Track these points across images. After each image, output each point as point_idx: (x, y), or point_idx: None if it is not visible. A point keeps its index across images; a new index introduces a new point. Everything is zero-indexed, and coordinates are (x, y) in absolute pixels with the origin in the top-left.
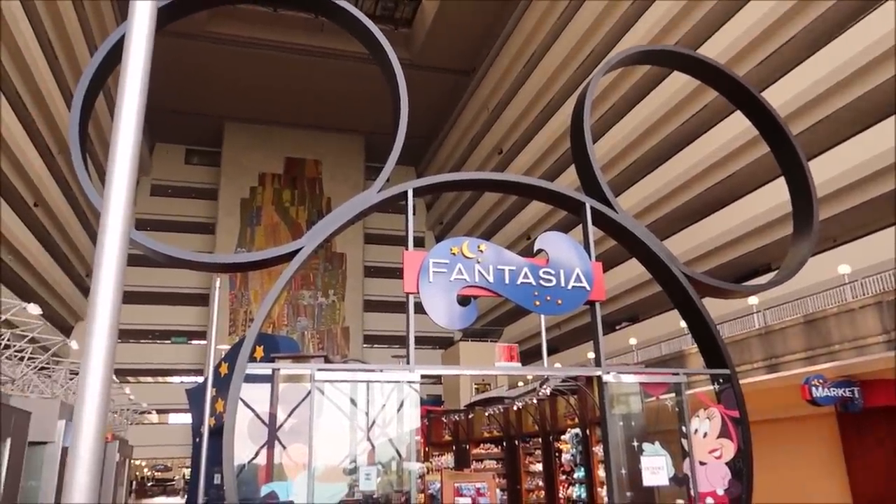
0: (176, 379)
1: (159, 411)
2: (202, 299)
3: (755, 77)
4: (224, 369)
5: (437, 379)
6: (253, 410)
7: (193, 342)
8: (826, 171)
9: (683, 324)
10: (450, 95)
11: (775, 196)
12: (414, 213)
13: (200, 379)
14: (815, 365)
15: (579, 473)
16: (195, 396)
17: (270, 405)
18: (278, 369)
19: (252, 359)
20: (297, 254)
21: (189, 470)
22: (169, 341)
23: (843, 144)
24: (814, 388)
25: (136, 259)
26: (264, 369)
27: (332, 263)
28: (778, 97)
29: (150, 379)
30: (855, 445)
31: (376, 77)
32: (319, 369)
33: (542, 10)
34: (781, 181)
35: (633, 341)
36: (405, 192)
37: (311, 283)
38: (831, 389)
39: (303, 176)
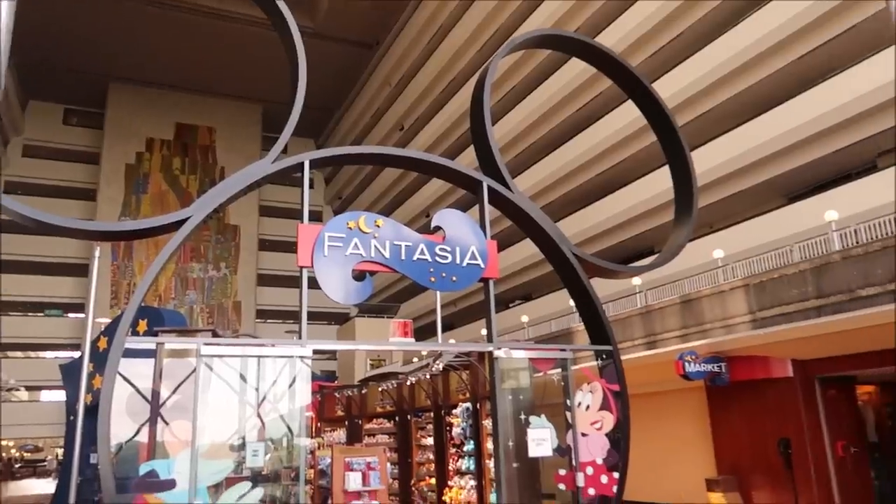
0: (50, 354)
1: (29, 388)
2: (81, 270)
3: (647, 68)
4: (103, 344)
5: (332, 355)
6: (133, 386)
7: (70, 315)
8: (706, 161)
9: (572, 302)
10: (352, 68)
11: (660, 183)
12: (311, 187)
13: (77, 354)
14: (689, 342)
15: (469, 446)
16: (69, 372)
17: (153, 381)
18: (162, 343)
19: (134, 332)
20: (185, 223)
21: (63, 450)
22: (42, 314)
23: (722, 137)
24: (686, 364)
25: (7, 226)
26: (146, 343)
27: (225, 235)
28: (666, 89)
29: (19, 354)
30: (720, 417)
31: (276, 44)
32: (206, 343)
33: None
34: (666, 169)
35: (525, 318)
36: (301, 164)
37: (202, 256)
38: (702, 365)
39: (195, 143)
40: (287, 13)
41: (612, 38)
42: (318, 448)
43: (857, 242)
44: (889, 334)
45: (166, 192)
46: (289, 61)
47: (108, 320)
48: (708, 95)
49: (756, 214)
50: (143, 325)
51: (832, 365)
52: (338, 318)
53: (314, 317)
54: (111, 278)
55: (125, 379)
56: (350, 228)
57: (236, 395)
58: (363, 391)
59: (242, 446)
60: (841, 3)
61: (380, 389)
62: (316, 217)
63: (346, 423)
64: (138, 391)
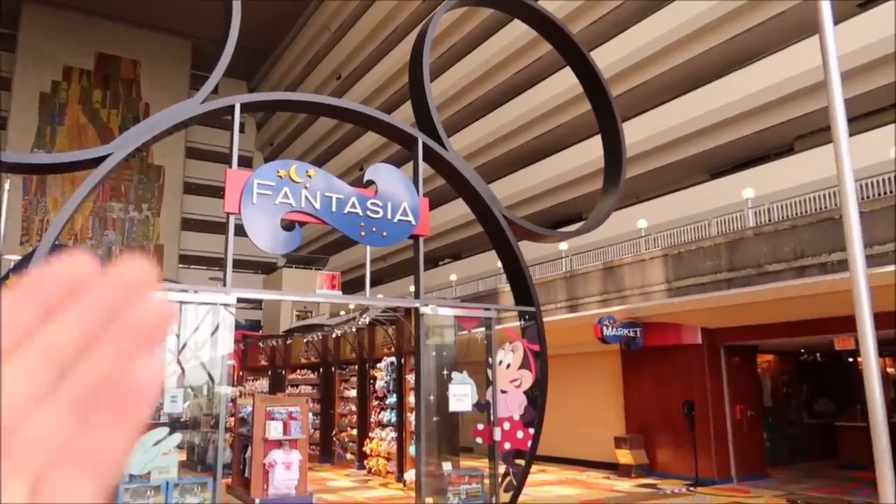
0: None
1: None
2: None
3: (586, 36)
4: (12, 283)
5: (257, 304)
6: None
7: None
8: (637, 133)
9: (500, 263)
10: (291, 10)
11: (591, 152)
12: (242, 131)
13: None
14: (609, 307)
15: (391, 399)
16: None
17: None
18: None
19: None
20: (105, 160)
21: None
22: None
23: (653, 111)
24: (605, 328)
25: None
26: None
27: (148, 176)
28: (603, 59)
29: None
30: (632, 378)
31: None
32: None
33: None
34: (598, 138)
35: (453, 277)
36: (231, 107)
37: (123, 195)
38: (619, 329)
39: (117, 76)
40: None
41: (554, 3)
42: (240, 396)
43: (770, 220)
44: (791, 308)
45: (85, 125)
46: None
47: (17, 257)
48: (642, 69)
49: (680, 188)
50: None
51: (737, 334)
52: (265, 268)
53: (240, 265)
54: (22, 213)
55: None
56: (280, 177)
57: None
58: (288, 342)
59: (160, 392)
60: None
61: (305, 341)
62: (246, 163)
63: (270, 372)
64: None
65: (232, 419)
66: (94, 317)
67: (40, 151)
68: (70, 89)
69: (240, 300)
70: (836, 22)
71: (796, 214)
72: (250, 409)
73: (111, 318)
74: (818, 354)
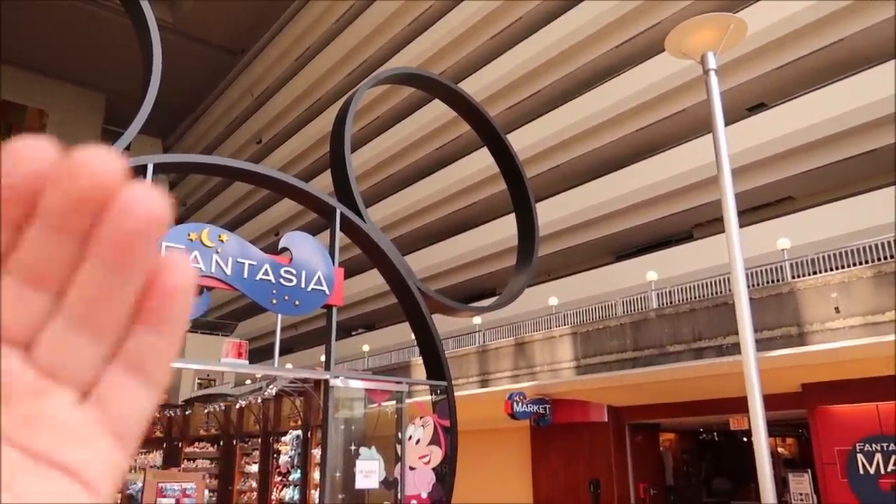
0: None
1: None
2: None
3: (504, 119)
4: None
5: None
6: None
7: None
8: (549, 213)
9: (414, 336)
10: (213, 72)
11: (506, 229)
12: None
13: None
14: (519, 383)
15: (295, 475)
16: None
17: None
18: None
19: None
20: None
21: None
22: None
23: (565, 193)
24: (515, 404)
25: None
26: None
27: None
28: (521, 141)
29: None
30: (541, 455)
31: (130, 33)
32: None
33: (323, 7)
34: (512, 217)
35: (366, 348)
36: (145, 167)
37: None
38: (528, 406)
39: (21, 125)
40: (144, 2)
41: (475, 86)
42: (129, 471)
43: (671, 303)
44: (690, 388)
45: None
46: (142, 54)
47: None
48: (559, 151)
49: (589, 268)
50: None
51: (641, 413)
52: None
53: None
54: None
55: None
56: (191, 240)
57: None
58: (187, 412)
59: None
60: (678, 86)
61: (206, 411)
62: None
63: (164, 445)
64: None
65: (120, 496)
66: (71, 223)
67: None
68: None
69: None
70: (728, 123)
71: (695, 298)
72: (140, 485)
73: (92, 219)
74: (716, 434)
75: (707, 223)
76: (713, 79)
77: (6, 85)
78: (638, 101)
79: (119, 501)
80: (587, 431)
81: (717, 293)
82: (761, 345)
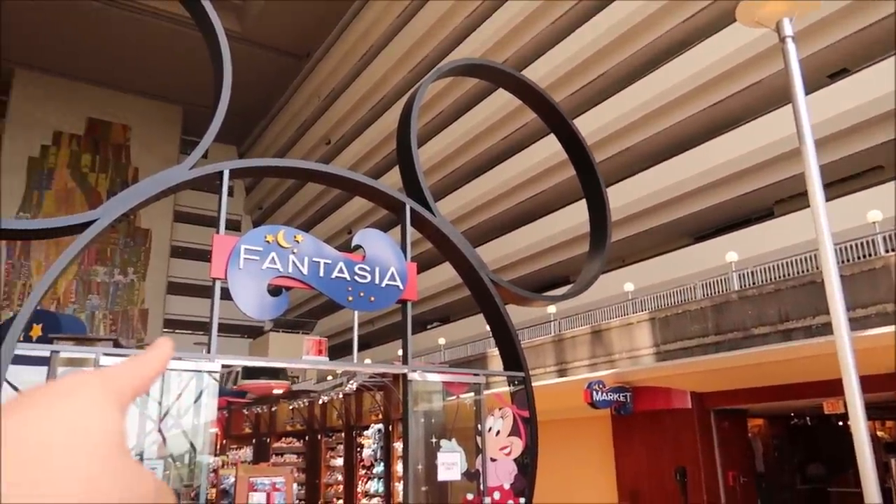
0: None
1: None
2: None
3: (572, 102)
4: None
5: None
6: None
7: None
8: (622, 197)
9: (489, 327)
10: (281, 77)
11: (577, 216)
12: (231, 195)
13: None
14: (597, 371)
15: (379, 468)
16: None
17: None
18: (56, 352)
19: (27, 338)
20: (91, 226)
21: None
22: None
23: (638, 175)
24: (594, 393)
25: None
26: (39, 350)
27: (135, 239)
28: (590, 124)
29: None
30: (624, 444)
31: (202, 45)
32: (105, 353)
33: (382, 6)
34: (583, 203)
35: (441, 341)
36: (220, 173)
37: (108, 259)
38: (608, 394)
39: (107, 140)
40: (213, 14)
41: (539, 72)
42: (222, 466)
43: (754, 284)
44: (778, 371)
45: (73, 189)
46: (213, 64)
47: None
48: (626, 134)
49: (665, 251)
50: (37, 330)
51: (727, 398)
52: (252, 332)
53: (227, 329)
54: (5, 277)
55: (13, 388)
56: (268, 242)
57: (136, 409)
58: (273, 408)
59: (140, 462)
60: (752, 57)
61: (290, 407)
62: (234, 227)
63: (254, 440)
64: None
65: (213, 490)
66: None
67: (26, 215)
68: (59, 154)
69: (224, 366)
70: (808, 92)
71: (779, 277)
72: (233, 479)
73: None
74: (809, 418)
75: (789, 199)
76: (790, 46)
77: (93, 104)
78: (710, 76)
79: (213, 496)
80: (670, 419)
81: (803, 272)
82: (855, 324)
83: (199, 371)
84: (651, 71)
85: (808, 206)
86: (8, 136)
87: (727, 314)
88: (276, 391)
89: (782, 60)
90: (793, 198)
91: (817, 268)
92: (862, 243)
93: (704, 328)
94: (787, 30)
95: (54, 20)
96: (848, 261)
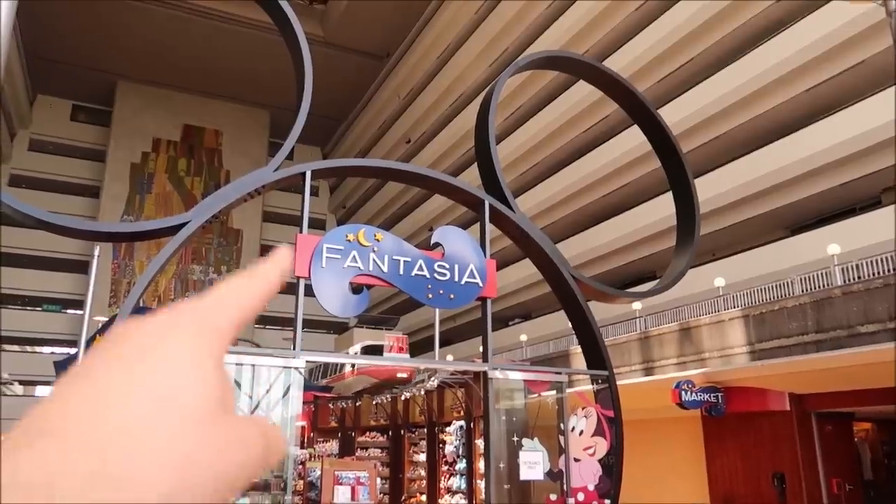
0: (46, 349)
1: (24, 383)
2: (81, 266)
3: (655, 92)
4: (99, 342)
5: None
6: None
7: (69, 311)
8: (711, 188)
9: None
10: (362, 78)
11: (663, 209)
12: (315, 195)
13: (73, 350)
14: (686, 371)
15: (461, 465)
16: (63, 369)
17: None
18: None
19: None
20: (183, 228)
21: None
22: (40, 308)
23: (728, 165)
24: (683, 393)
25: (8, 219)
26: None
27: (227, 239)
28: (674, 114)
29: (16, 347)
30: (716, 447)
31: (286, 51)
32: None
33: (459, 5)
34: (669, 195)
35: (523, 338)
36: (303, 174)
37: (203, 258)
38: (698, 394)
39: (201, 145)
40: (294, 21)
41: (620, 63)
42: (309, 459)
43: (859, 278)
44: (888, 372)
45: (171, 193)
46: (295, 69)
47: (105, 318)
48: (716, 122)
49: (758, 244)
50: None
51: (830, 400)
52: (337, 327)
53: (313, 325)
54: (111, 276)
55: None
56: (349, 241)
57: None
58: (357, 403)
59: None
60: (854, 36)
61: (374, 402)
62: (319, 225)
63: (340, 434)
64: None
65: (301, 482)
66: None
67: (130, 218)
68: (158, 159)
69: (308, 361)
70: None
71: (888, 271)
72: (319, 472)
73: None
74: None
75: None
76: None
77: (187, 111)
78: (809, 57)
79: (300, 487)
80: (767, 421)
81: None
82: None
83: (286, 367)
84: (744, 54)
85: None
86: (112, 144)
87: (829, 311)
88: (399, 375)
89: (889, 37)
90: None
91: None
92: None
93: (804, 326)
94: None
95: (152, 33)
96: None
